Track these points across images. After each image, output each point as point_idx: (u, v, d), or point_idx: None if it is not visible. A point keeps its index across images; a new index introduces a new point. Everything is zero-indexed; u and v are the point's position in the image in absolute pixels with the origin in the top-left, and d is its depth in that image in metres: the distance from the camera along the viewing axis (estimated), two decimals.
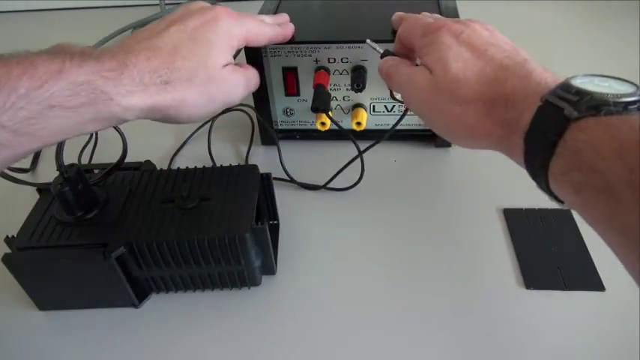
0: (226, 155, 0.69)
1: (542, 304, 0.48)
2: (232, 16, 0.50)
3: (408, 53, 0.51)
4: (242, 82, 0.51)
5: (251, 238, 0.47)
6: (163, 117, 0.46)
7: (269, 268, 0.52)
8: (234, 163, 0.66)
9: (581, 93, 0.33)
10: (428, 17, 0.51)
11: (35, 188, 0.53)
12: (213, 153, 0.69)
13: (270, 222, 0.57)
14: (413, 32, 0.49)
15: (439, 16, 0.53)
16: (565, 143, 0.32)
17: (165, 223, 0.48)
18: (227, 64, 0.49)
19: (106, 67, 0.40)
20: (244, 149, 0.69)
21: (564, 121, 0.32)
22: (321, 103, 0.59)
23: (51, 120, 0.37)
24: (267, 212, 0.57)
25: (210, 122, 0.72)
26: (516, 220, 0.56)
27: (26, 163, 0.68)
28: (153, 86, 0.43)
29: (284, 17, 0.60)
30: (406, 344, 0.47)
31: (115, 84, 0.40)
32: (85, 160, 0.67)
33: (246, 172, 0.53)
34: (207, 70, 0.46)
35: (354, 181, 0.61)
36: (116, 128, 0.51)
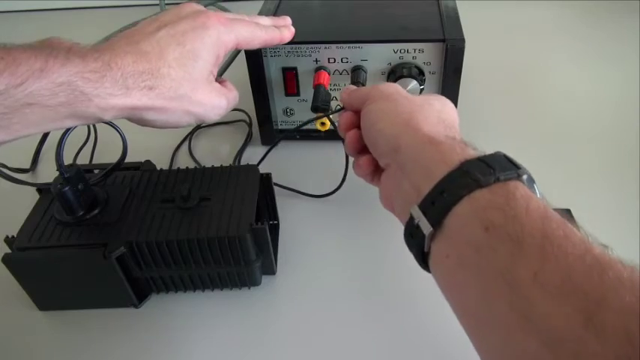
0: (225, 155, 0.69)
1: None
2: (222, 22, 0.49)
3: None
4: (223, 104, 0.50)
5: (251, 238, 0.47)
6: (139, 119, 0.45)
7: (269, 268, 0.52)
8: (230, 163, 0.66)
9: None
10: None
11: (35, 188, 0.53)
12: (211, 152, 0.69)
13: (270, 222, 0.57)
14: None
15: None
16: (505, 185, 0.32)
17: (165, 223, 0.48)
18: (212, 78, 0.49)
19: (89, 67, 0.39)
20: (247, 150, 0.70)
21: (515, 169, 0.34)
22: (321, 102, 0.59)
23: (27, 116, 0.37)
24: (266, 212, 0.57)
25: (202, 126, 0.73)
26: None
27: (26, 163, 0.68)
28: (136, 90, 0.42)
29: (285, 20, 0.59)
30: (406, 342, 0.47)
31: (96, 86, 0.39)
32: (85, 160, 0.67)
33: (246, 172, 0.53)
34: (191, 82, 0.46)
35: (358, 183, 0.61)
36: (116, 128, 0.51)
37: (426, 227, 0.34)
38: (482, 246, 0.31)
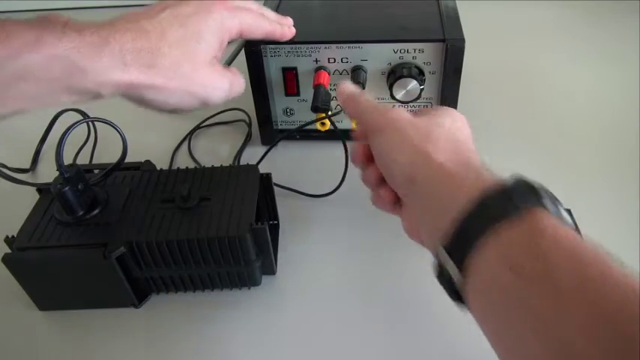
0: (225, 155, 0.69)
1: None
2: (227, 7, 0.49)
3: None
4: (225, 86, 0.49)
5: (251, 238, 0.47)
6: (139, 98, 0.45)
7: (269, 268, 0.52)
8: (230, 163, 0.66)
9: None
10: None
11: (35, 188, 0.53)
12: (211, 153, 0.69)
13: (270, 222, 0.57)
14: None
15: None
16: (529, 216, 0.31)
17: (165, 223, 0.48)
18: (215, 61, 0.49)
19: (86, 41, 0.39)
20: (246, 150, 0.70)
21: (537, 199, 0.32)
22: (321, 103, 0.59)
23: (22, 89, 0.37)
24: (267, 212, 0.56)
25: (200, 124, 0.73)
26: None
27: (26, 163, 0.68)
28: (134, 67, 0.42)
29: (288, 20, 0.60)
30: (406, 342, 0.47)
31: (93, 60, 0.39)
32: (85, 160, 0.67)
33: (246, 172, 0.53)
34: (192, 63, 0.46)
35: (358, 183, 0.61)
36: (116, 128, 0.51)
37: (452, 270, 0.33)
38: (511, 289, 0.29)
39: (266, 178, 0.54)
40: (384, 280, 0.52)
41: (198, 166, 0.66)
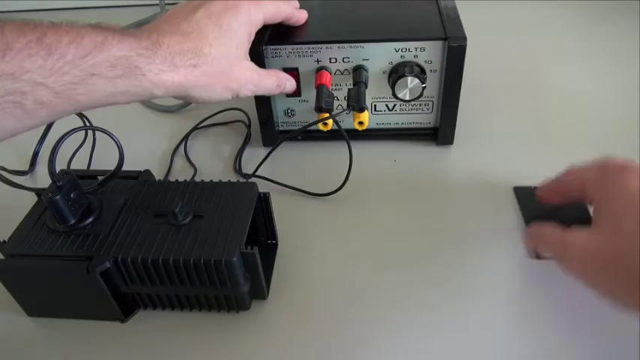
0: (225, 156, 0.68)
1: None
2: (252, 2, 0.53)
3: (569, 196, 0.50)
4: (254, 79, 0.54)
5: (239, 263, 0.45)
6: (187, 96, 0.49)
7: (259, 293, 0.49)
8: (231, 163, 0.66)
9: None
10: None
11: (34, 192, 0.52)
12: (210, 154, 0.69)
13: (269, 241, 0.55)
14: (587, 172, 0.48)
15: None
16: None
17: (153, 240, 0.46)
18: (246, 56, 0.54)
19: (142, 45, 0.43)
20: (246, 150, 0.69)
21: None
22: (324, 102, 0.58)
23: (89, 86, 0.40)
24: (265, 232, 0.54)
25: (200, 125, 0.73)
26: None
27: (25, 165, 0.68)
28: (182, 68, 0.46)
29: (296, 3, 0.63)
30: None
31: (148, 61, 0.44)
32: (83, 161, 0.67)
33: (244, 190, 0.51)
34: (229, 60, 0.50)
35: (359, 183, 0.61)
36: (112, 137, 0.49)
37: None
38: None
39: (264, 198, 0.51)
40: (382, 287, 0.50)
41: (195, 170, 0.65)
